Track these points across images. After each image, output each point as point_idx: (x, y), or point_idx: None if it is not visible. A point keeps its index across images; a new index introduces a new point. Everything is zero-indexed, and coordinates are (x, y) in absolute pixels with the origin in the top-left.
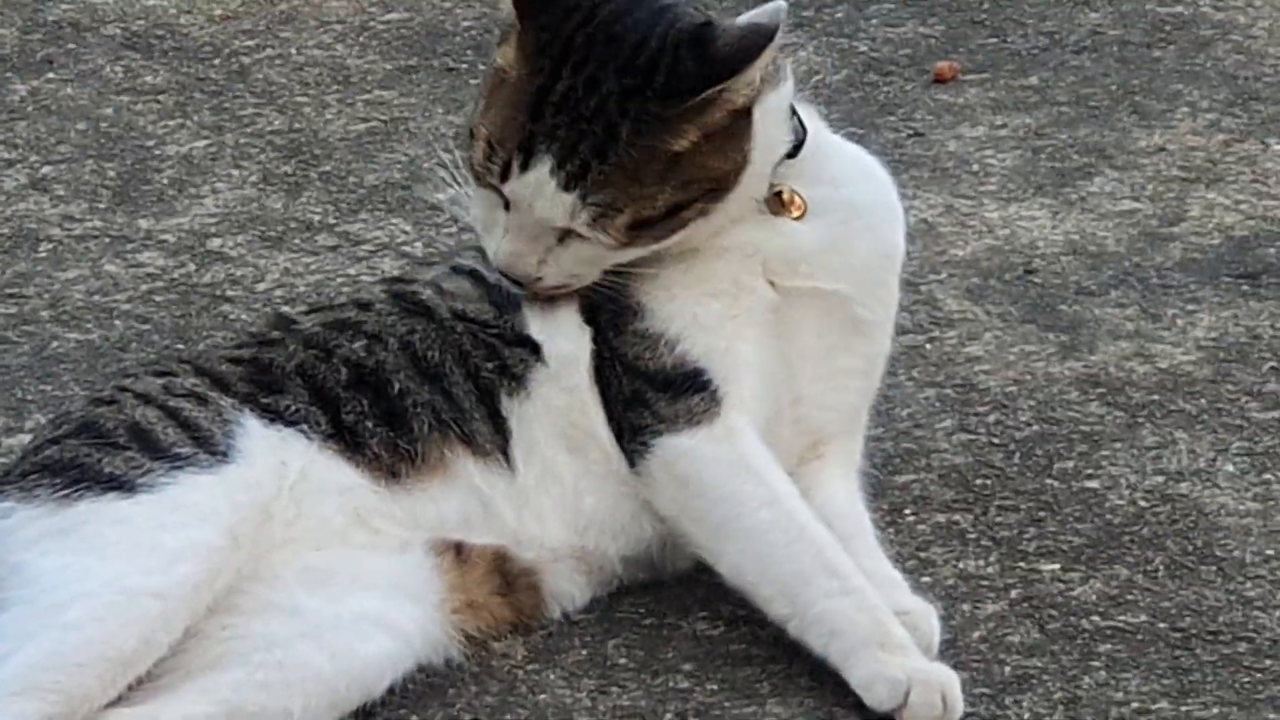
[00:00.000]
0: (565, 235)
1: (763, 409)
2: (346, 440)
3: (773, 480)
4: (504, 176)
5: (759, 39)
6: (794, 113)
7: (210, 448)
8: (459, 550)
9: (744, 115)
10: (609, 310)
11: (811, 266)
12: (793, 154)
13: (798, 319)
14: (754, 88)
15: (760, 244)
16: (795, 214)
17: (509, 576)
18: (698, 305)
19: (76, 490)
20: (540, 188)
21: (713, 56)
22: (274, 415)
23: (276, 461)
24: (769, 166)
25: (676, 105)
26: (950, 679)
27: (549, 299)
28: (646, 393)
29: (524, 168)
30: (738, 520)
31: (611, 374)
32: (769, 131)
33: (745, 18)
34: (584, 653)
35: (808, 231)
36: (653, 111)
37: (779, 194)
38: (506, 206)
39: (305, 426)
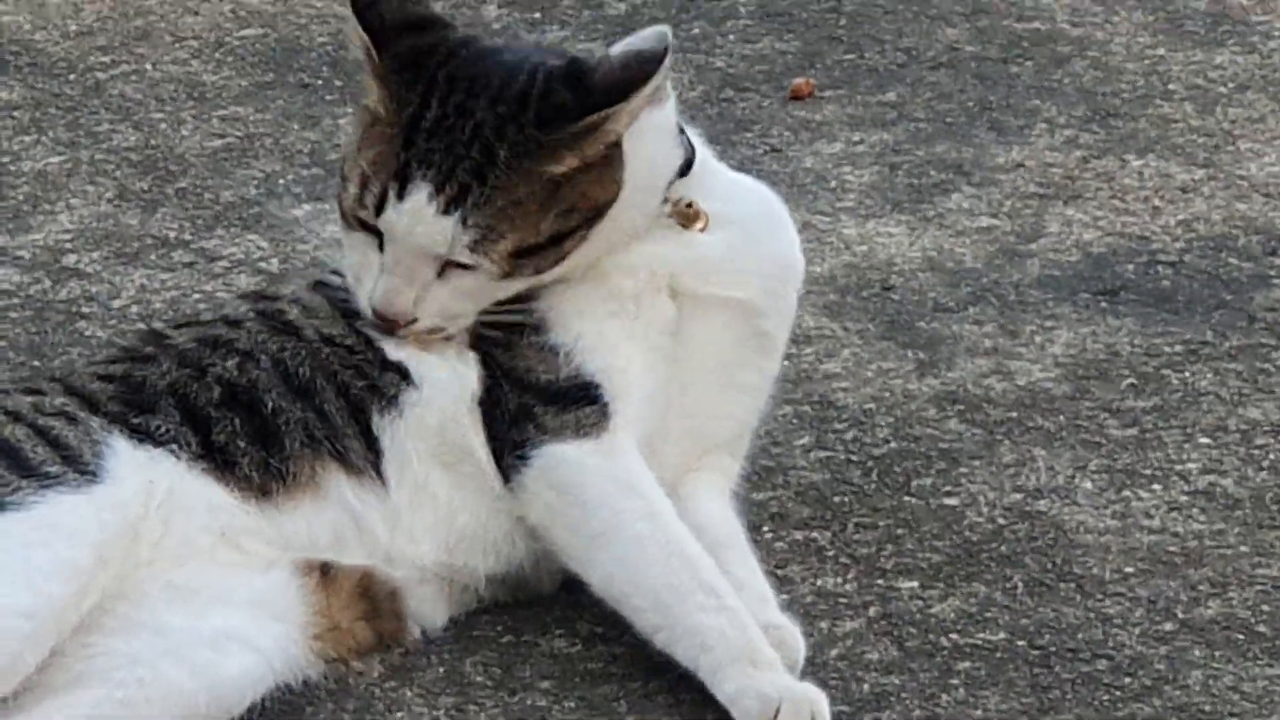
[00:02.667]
0: (444, 269)
1: (646, 429)
2: (216, 459)
3: (653, 496)
4: (379, 209)
5: (642, 67)
6: (681, 131)
7: (79, 467)
8: (325, 571)
9: (616, 145)
10: (498, 333)
11: (722, 275)
12: (684, 172)
13: (701, 332)
14: (634, 118)
15: (669, 258)
16: (700, 225)
17: (375, 600)
18: (600, 322)
19: None
20: (418, 214)
21: (590, 87)
22: (143, 435)
23: (144, 481)
24: (660, 184)
25: (554, 132)
26: (819, 698)
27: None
28: (534, 406)
29: (400, 196)
30: (616, 530)
31: (499, 394)
32: (657, 150)
33: (625, 45)
34: (441, 670)
35: (714, 242)
36: (530, 136)
37: (689, 205)
38: (381, 248)
39: (175, 446)
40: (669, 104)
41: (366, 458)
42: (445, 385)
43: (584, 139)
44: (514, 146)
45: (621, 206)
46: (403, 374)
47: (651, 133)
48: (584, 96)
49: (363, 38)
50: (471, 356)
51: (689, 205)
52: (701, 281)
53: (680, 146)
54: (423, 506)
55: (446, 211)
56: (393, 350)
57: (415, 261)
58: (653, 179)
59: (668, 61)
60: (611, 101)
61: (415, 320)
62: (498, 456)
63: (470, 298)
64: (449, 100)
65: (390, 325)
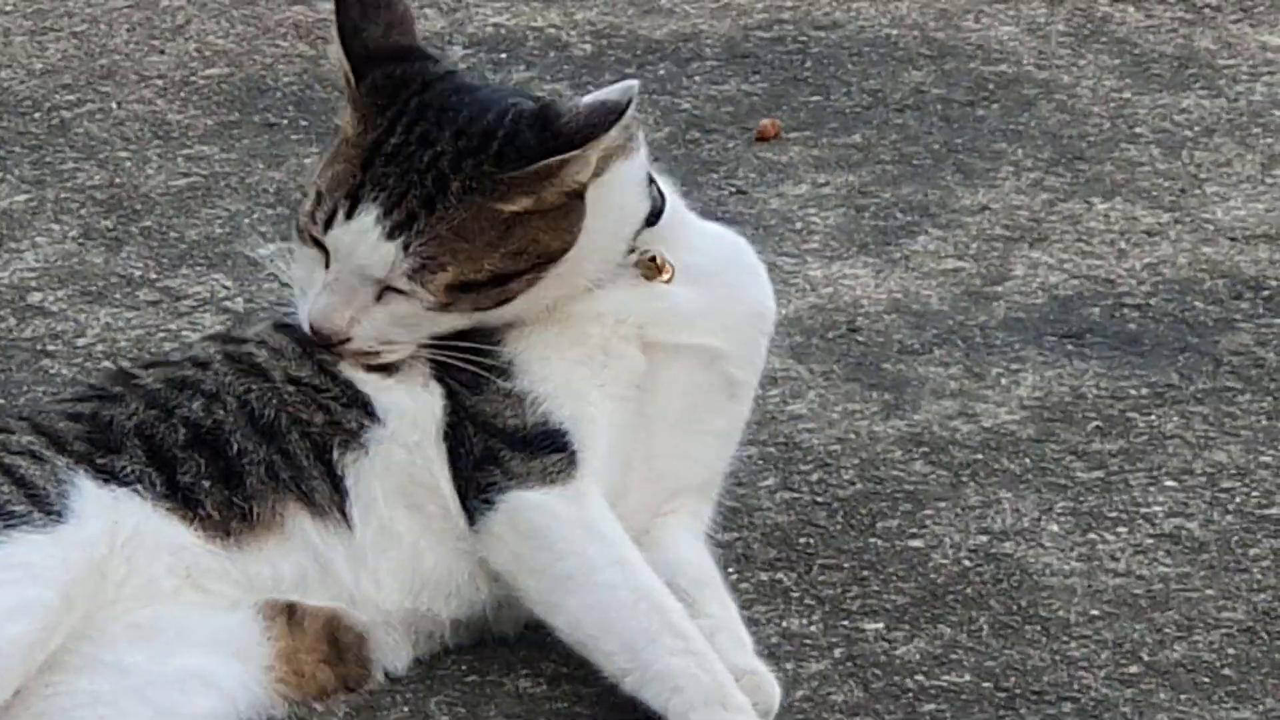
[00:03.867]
0: (383, 293)
1: (613, 476)
2: (181, 500)
3: (620, 543)
4: (328, 225)
5: (605, 116)
6: (652, 181)
7: (45, 507)
8: (291, 612)
9: (578, 196)
10: (464, 371)
11: (690, 324)
12: (653, 221)
13: (670, 380)
14: (592, 165)
15: (633, 308)
16: (665, 277)
17: (339, 645)
18: (568, 370)
19: None
20: (363, 235)
21: (555, 132)
22: (109, 475)
23: (110, 521)
24: (624, 234)
25: (511, 170)
26: None
27: (380, 367)
28: (500, 450)
29: (349, 215)
30: (584, 575)
31: (463, 433)
32: (623, 200)
33: (594, 96)
34: (405, 709)
35: (682, 291)
36: (486, 173)
37: (652, 259)
38: (328, 265)
39: (140, 486)
40: (639, 156)
41: (332, 499)
42: (411, 417)
43: (541, 182)
44: (468, 180)
45: (579, 255)
46: (368, 410)
47: (618, 184)
48: (546, 140)
49: (344, 62)
50: (437, 389)
51: (652, 259)
52: (670, 332)
53: (648, 198)
54: (388, 548)
55: (390, 236)
56: (359, 383)
57: (355, 282)
58: (617, 229)
59: (629, 114)
60: (571, 146)
61: (349, 340)
62: (462, 496)
63: (405, 325)
64: (414, 128)
65: (324, 340)
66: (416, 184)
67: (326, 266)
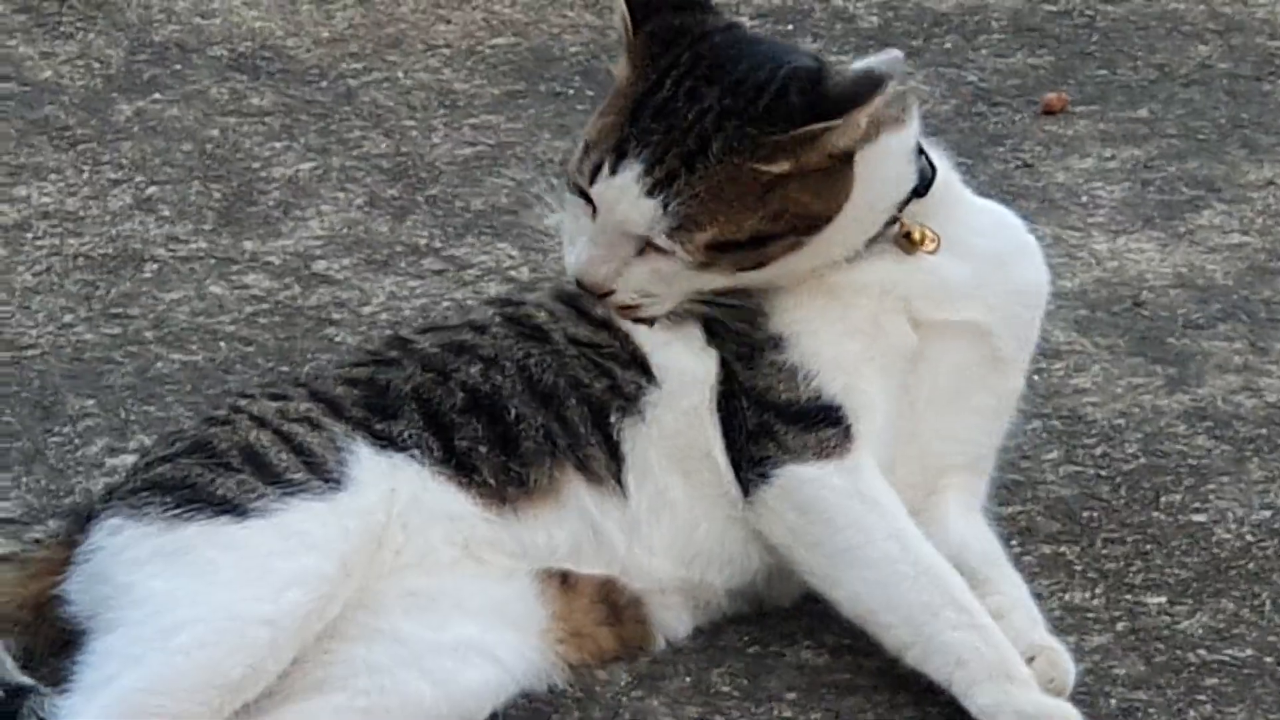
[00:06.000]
0: (645, 248)
1: (886, 450)
2: (457, 466)
3: (898, 515)
4: (593, 178)
5: (869, 86)
6: (922, 152)
7: (323, 474)
8: (565, 579)
9: (845, 160)
10: (738, 343)
11: (955, 299)
12: (922, 192)
13: (938, 355)
14: (858, 133)
15: (899, 280)
16: (930, 248)
17: (616, 606)
18: (839, 343)
19: (188, 511)
20: (625, 191)
21: (821, 95)
22: (386, 441)
23: (387, 488)
24: (887, 208)
25: (774, 133)
26: (1075, 716)
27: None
28: (775, 424)
29: (613, 170)
30: (863, 549)
31: (736, 405)
32: (891, 171)
33: (862, 63)
34: (688, 680)
35: (948, 265)
36: (749, 134)
37: (908, 234)
38: (594, 217)
39: (417, 452)
40: (910, 127)
41: (608, 466)
42: (688, 378)
43: (802, 145)
44: (729, 140)
45: (843, 221)
46: (645, 371)
47: (886, 155)
48: (811, 103)
49: (623, 8)
50: (713, 353)
51: (908, 234)
52: (936, 306)
53: (916, 170)
54: (662, 517)
55: (651, 194)
56: (638, 340)
57: (617, 236)
58: (880, 198)
59: (892, 84)
60: (833, 114)
61: (612, 292)
62: (736, 467)
63: (666, 282)
64: (683, 82)
65: (588, 291)
66: (680, 141)
67: (594, 217)
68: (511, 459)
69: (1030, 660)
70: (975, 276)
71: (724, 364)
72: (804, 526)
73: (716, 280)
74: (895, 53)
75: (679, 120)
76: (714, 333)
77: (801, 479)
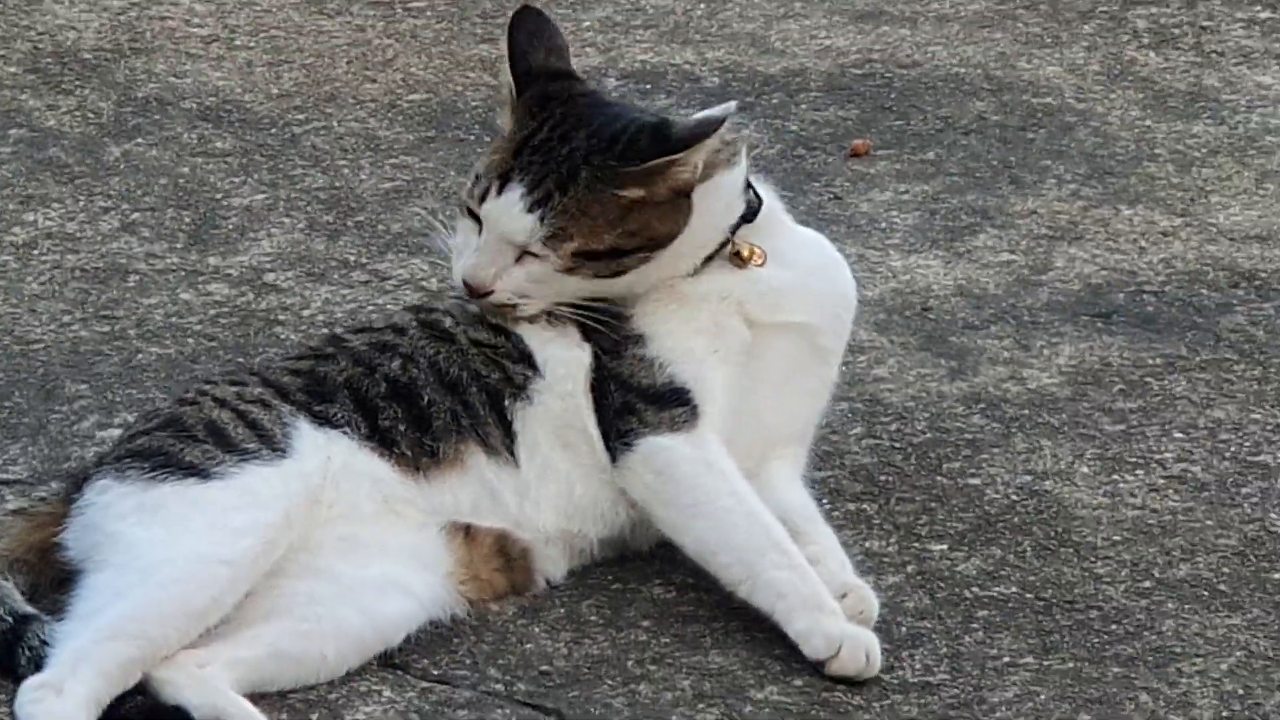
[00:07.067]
0: (522, 256)
1: (726, 425)
2: (381, 440)
3: (735, 478)
4: (482, 200)
5: (706, 128)
6: (750, 186)
7: (271, 445)
8: (468, 531)
9: (685, 194)
10: (607, 340)
11: (781, 303)
12: (750, 218)
13: (771, 348)
14: (696, 169)
15: (733, 288)
16: (758, 262)
17: (508, 555)
18: (687, 339)
19: (162, 474)
20: (509, 207)
21: (665, 137)
22: (323, 419)
23: (324, 457)
24: (720, 231)
25: (629, 167)
26: (873, 641)
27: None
28: (637, 403)
29: (499, 192)
30: (706, 504)
31: (606, 389)
32: (722, 202)
33: (701, 113)
34: (562, 611)
35: (774, 276)
36: (610, 166)
37: (739, 252)
38: (480, 233)
39: (348, 429)
40: (739, 168)
41: (503, 441)
42: (566, 369)
43: (652, 177)
44: (595, 171)
45: (683, 241)
46: (532, 364)
47: (720, 189)
48: (659, 143)
49: (509, 77)
50: (587, 348)
51: (737, 252)
52: (765, 309)
53: (744, 201)
54: (547, 481)
55: (530, 210)
56: (526, 339)
57: (500, 245)
58: (715, 223)
59: (725, 128)
60: (678, 149)
61: (491, 292)
62: (606, 439)
63: (538, 284)
64: (557, 129)
65: (472, 292)
66: (555, 170)
67: (479, 233)
68: (424, 435)
69: (842, 597)
70: (797, 285)
71: (595, 357)
72: (660, 486)
73: (579, 285)
74: (732, 104)
75: (554, 155)
76: (587, 333)
77: (658, 448)
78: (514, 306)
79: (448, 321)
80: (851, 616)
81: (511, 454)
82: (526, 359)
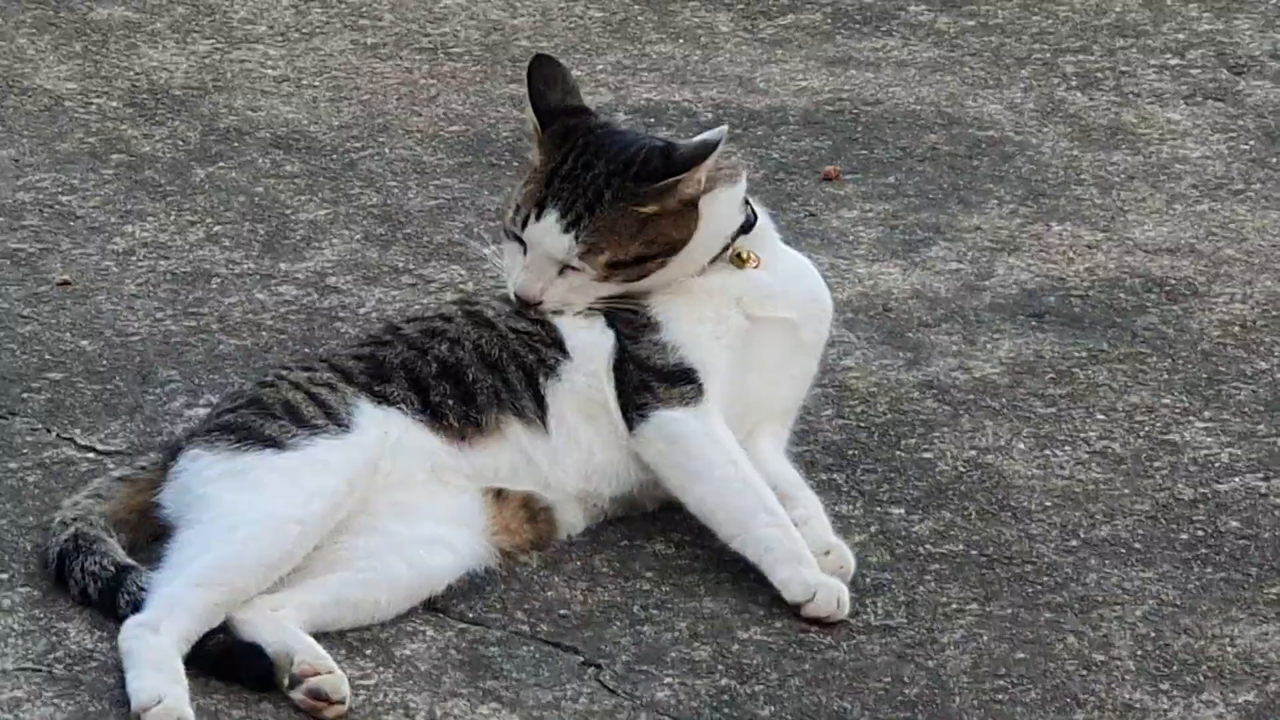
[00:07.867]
0: (563, 270)
1: (726, 402)
2: (431, 415)
3: (732, 448)
4: (524, 225)
5: (704, 151)
6: (748, 203)
7: (337, 421)
8: (499, 494)
9: (692, 205)
10: (628, 326)
11: (773, 302)
12: (748, 229)
13: (763, 338)
14: (700, 184)
15: (734, 286)
16: (754, 265)
17: (534, 513)
18: (695, 327)
19: (245, 445)
20: (548, 231)
21: (672, 160)
22: (382, 398)
23: (381, 432)
24: (723, 237)
25: (645, 187)
26: (842, 587)
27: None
28: (651, 381)
29: (538, 218)
30: (708, 469)
31: (625, 369)
32: (725, 212)
33: (699, 137)
34: (578, 563)
35: (768, 278)
36: (628, 187)
37: (739, 255)
38: (524, 254)
39: (403, 405)
40: (739, 184)
41: (536, 413)
42: (591, 352)
43: (664, 194)
44: (617, 193)
45: (693, 246)
46: (562, 348)
47: (722, 201)
48: (668, 165)
49: (533, 117)
50: (610, 333)
51: (738, 254)
52: (760, 306)
53: (743, 214)
54: (572, 447)
55: (566, 230)
56: (557, 328)
57: (544, 263)
58: (719, 231)
59: (720, 149)
60: (683, 169)
61: (541, 303)
62: (623, 411)
63: (578, 292)
64: (580, 159)
65: (524, 304)
66: (582, 194)
67: (524, 254)
68: (470, 408)
69: (825, 554)
70: (785, 287)
71: (617, 341)
72: (669, 452)
73: (613, 289)
74: (723, 128)
75: (580, 182)
76: (611, 321)
77: (669, 419)
78: (560, 312)
79: (489, 312)
80: (833, 571)
81: (543, 424)
82: (558, 344)
